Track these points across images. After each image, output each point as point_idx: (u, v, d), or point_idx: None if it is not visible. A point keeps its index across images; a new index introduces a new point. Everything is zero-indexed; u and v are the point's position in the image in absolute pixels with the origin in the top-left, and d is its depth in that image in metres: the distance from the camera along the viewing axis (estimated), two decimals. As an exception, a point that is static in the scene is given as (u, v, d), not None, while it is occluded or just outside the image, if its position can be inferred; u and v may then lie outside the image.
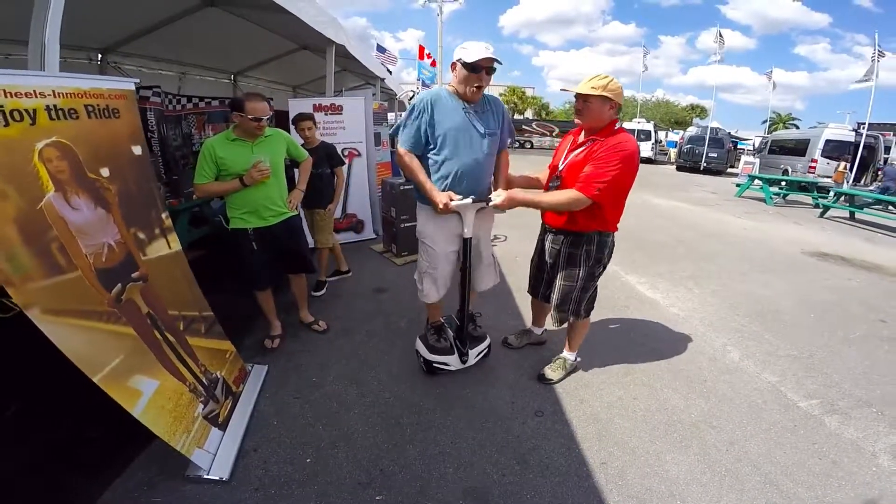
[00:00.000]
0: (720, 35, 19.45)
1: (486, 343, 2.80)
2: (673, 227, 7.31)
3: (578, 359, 2.81)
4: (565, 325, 2.62)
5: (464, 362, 2.65)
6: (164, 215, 2.21)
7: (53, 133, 1.51)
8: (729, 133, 21.29)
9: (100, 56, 4.58)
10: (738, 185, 12.08)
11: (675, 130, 30.98)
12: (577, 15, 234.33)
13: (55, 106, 1.53)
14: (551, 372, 2.72)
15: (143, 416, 1.64)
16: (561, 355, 2.79)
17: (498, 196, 2.26)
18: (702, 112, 40.56)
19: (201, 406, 2.01)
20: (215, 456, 1.96)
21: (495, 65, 2.19)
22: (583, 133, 2.36)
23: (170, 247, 2.22)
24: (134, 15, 4.08)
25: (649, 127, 22.41)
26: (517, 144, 28.43)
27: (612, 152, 2.14)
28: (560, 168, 2.40)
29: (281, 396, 2.51)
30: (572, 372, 2.79)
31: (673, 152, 22.90)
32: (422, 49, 14.10)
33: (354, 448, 2.15)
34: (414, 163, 2.32)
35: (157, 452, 1.96)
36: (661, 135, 26.01)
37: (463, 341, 2.63)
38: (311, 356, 2.92)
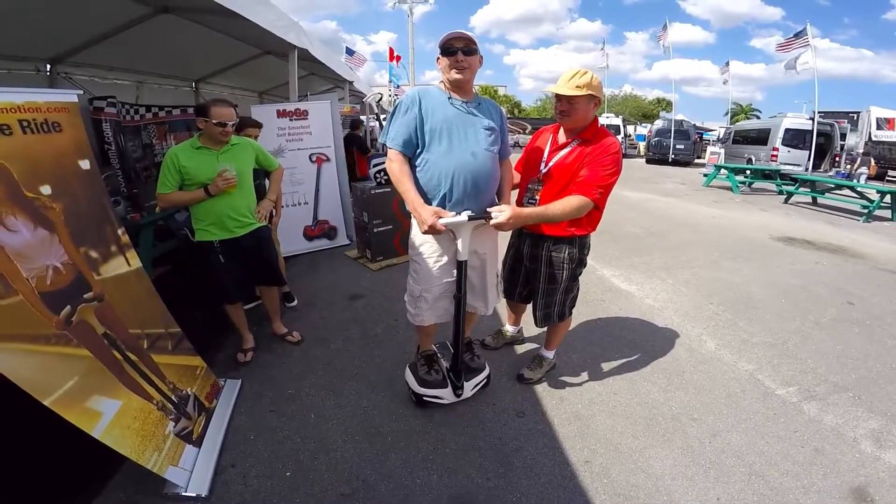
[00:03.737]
0: (665, 29, 20.54)
1: (485, 374, 2.55)
2: (645, 219, 7.43)
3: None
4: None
5: (458, 396, 2.39)
6: (120, 231, 2.10)
7: (-17, 152, 1.41)
8: (694, 125, 21.80)
9: (48, 67, 4.35)
10: (705, 175, 12.42)
11: (644, 124, 31.61)
12: (545, 13, 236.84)
13: (-16, 123, 1.43)
14: (530, 372, 2.69)
15: (105, 437, 1.58)
16: (539, 354, 2.76)
17: (501, 212, 1.93)
18: (668, 105, 41.42)
19: (172, 424, 1.95)
20: (192, 473, 1.90)
21: (474, 47, 1.95)
22: (562, 132, 2.29)
23: (129, 264, 2.13)
24: (83, 24, 3.87)
25: (618, 122, 22.75)
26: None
27: (606, 154, 2.11)
28: (543, 171, 2.29)
29: (257, 410, 2.42)
30: (551, 370, 2.77)
31: (642, 146, 23.32)
32: (392, 51, 14.05)
33: (335, 459, 2.09)
34: (404, 169, 2.00)
35: (134, 471, 1.86)
36: (630, 129, 26.47)
37: (457, 373, 2.34)
38: (285, 368, 2.84)
